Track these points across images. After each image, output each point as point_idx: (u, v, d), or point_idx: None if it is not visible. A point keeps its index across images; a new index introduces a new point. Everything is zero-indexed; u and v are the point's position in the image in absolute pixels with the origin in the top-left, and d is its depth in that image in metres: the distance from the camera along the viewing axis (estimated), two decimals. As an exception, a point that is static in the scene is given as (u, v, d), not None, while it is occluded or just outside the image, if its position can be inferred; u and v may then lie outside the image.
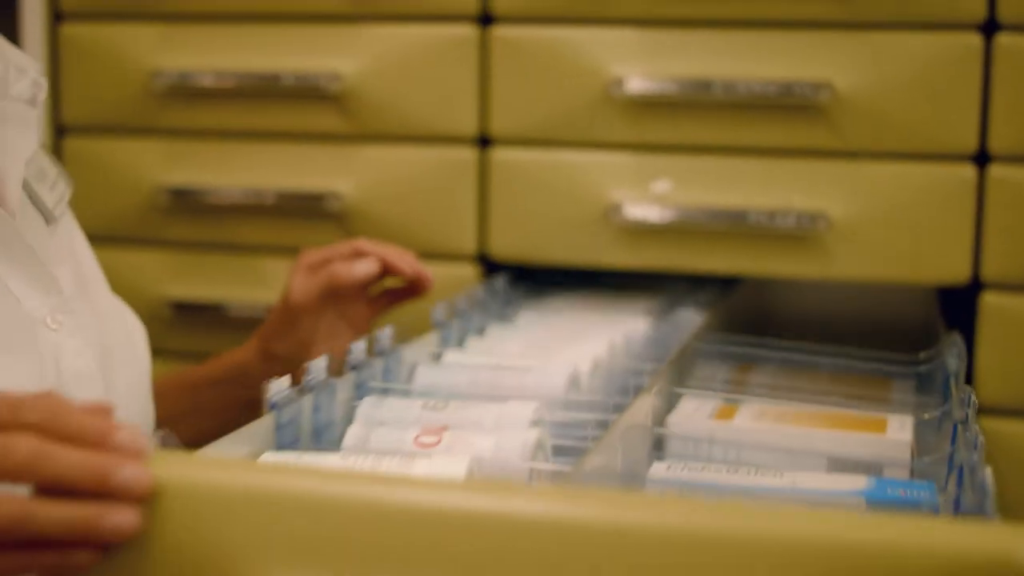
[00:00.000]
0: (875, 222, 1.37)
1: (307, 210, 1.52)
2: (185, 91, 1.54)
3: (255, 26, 1.52)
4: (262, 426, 0.86)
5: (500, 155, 1.46)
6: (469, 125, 1.47)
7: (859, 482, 0.87)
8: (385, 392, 1.01)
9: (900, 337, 1.45)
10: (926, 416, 1.04)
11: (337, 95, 1.49)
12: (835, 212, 1.38)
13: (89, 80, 1.57)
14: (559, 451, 0.93)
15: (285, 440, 0.87)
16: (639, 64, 1.41)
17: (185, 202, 1.55)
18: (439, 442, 0.85)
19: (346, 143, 1.51)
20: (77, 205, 1.11)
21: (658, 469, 0.90)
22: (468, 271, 1.48)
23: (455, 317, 1.22)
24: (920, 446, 0.98)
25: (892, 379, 1.23)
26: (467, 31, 1.45)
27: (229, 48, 1.53)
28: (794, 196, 1.39)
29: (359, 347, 1.00)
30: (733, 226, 1.40)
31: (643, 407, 0.95)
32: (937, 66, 1.34)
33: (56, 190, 1.04)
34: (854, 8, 1.35)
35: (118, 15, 1.57)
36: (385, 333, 1.05)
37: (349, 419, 0.96)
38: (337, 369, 1.01)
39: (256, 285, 1.55)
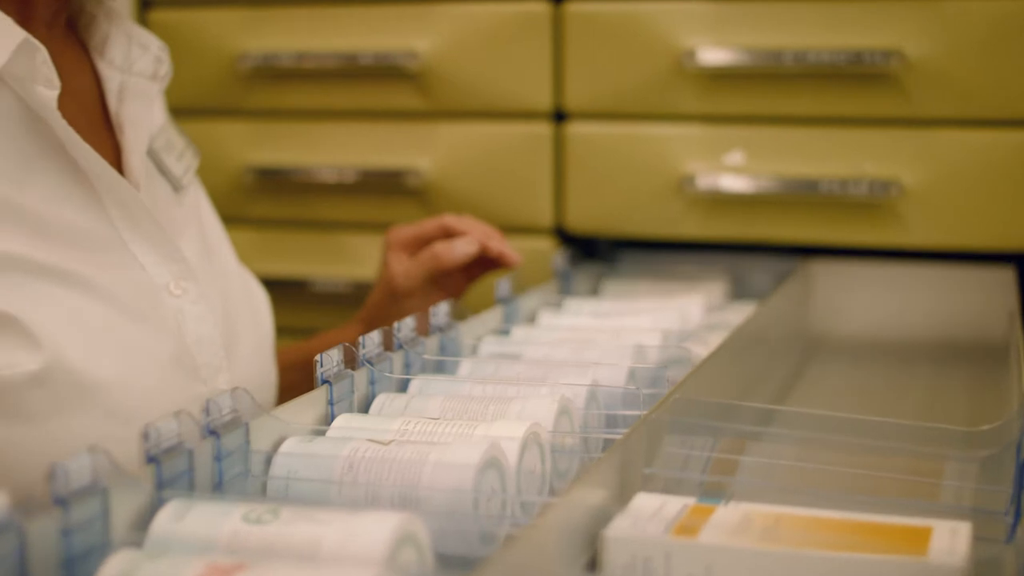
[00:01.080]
0: (949, 189, 1.38)
1: (388, 187, 1.55)
2: (269, 72, 1.58)
3: (334, 7, 1.56)
4: None
5: (575, 129, 1.48)
6: (544, 100, 1.49)
7: None
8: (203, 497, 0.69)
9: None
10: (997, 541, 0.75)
11: (414, 73, 1.52)
12: (908, 179, 1.38)
13: (176, 64, 1.62)
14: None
15: None
16: (710, 36, 1.42)
17: (270, 181, 1.59)
18: None
19: (424, 120, 1.54)
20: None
21: None
22: (545, 244, 1.51)
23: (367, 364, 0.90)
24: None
25: (945, 460, 0.86)
26: (540, 7, 1.47)
27: (310, 29, 1.56)
28: (866, 164, 1.39)
29: (168, 427, 0.69)
30: (805, 195, 1.41)
31: (561, 516, 0.66)
32: (1006, 30, 1.33)
33: (183, 160, 1.09)
34: (925, -25, 1.36)
35: (204, 0, 1.61)
36: (223, 402, 0.73)
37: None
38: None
39: (340, 261, 1.58)
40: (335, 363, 0.85)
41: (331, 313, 1.55)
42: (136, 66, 1.06)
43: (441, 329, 1.02)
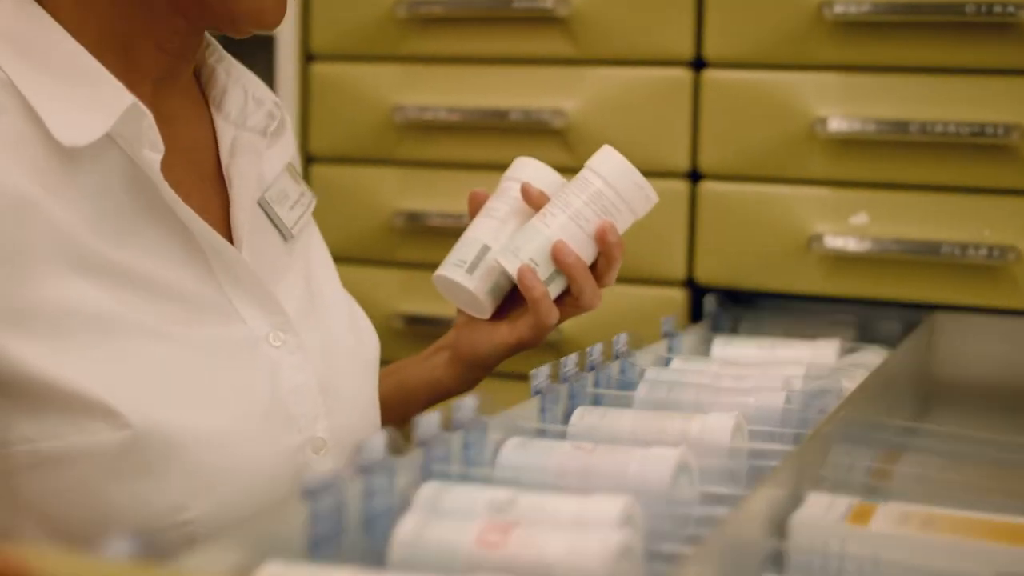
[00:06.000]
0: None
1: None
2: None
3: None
4: (293, 516, 0.72)
5: (709, 188, 1.59)
6: (683, 163, 1.59)
7: None
8: (458, 476, 0.85)
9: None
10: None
11: (559, 129, 1.63)
12: (1025, 246, 1.47)
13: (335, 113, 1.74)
14: (655, 557, 0.78)
15: (322, 532, 0.73)
16: (840, 106, 1.52)
17: (415, 223, 1.71)
18: (506, 542, 0.73)
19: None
20: (320, 225, 1.23)
21: None
22: (676, 294, 1.60)
23: (563, 381, 1.05)
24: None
25: None
26: (681, 73, 1.58)
27: None
28: (985, 230, 1.48)
29: (432, 420, 0.84)
30: (926, 257, 1.50)
31: (757, 506, 0.81)
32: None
33: (296, 210, 1.13)
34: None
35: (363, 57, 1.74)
36: (468, 403, 0.88)
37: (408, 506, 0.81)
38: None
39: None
40: (544, 377, 1.00)
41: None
42: (249, 121, 1.09)
43: (620, 355, 1.16)
